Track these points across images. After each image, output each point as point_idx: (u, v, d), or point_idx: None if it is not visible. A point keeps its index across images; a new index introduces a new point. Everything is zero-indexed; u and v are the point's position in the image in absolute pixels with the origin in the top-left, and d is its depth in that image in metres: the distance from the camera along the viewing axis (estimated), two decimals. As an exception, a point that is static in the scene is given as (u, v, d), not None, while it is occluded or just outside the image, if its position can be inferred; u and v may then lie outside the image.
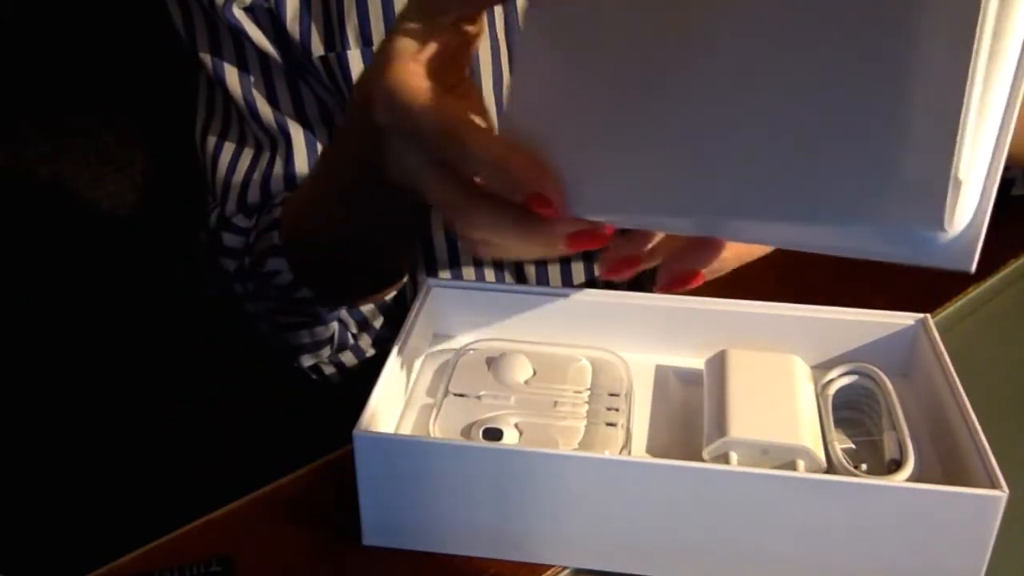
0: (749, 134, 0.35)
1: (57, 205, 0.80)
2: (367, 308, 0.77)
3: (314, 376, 0.81)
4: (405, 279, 0.76)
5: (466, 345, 0.55)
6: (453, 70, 0.48)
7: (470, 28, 0.47)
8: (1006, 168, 0.74)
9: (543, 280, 0.78)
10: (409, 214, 0.63)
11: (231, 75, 0.73)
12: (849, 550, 0.43)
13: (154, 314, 0.94)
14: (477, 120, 0.44)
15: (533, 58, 0.43)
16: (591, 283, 0.79)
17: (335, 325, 0.75)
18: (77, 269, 0.85)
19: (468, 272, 0.78)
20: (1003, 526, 0.42)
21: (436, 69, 0.45)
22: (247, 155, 0.75)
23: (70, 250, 0.83)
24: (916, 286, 0.66)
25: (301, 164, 0.74)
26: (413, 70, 0.44)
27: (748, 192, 0.35)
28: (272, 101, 0.73)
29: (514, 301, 0.56)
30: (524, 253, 0.51)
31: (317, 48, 0.70)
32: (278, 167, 0.74)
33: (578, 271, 0.78)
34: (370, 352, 0.81)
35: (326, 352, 0.77)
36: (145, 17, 0.78)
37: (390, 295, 0.78)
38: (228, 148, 0.76)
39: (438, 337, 0.56)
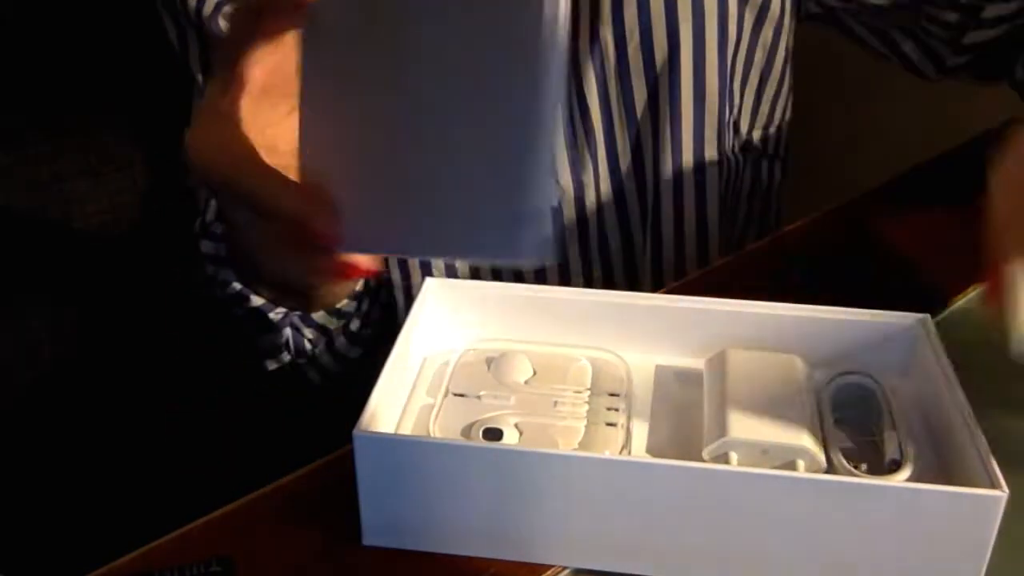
0: (419, 177, 0.39)
1: (57, 205, 0.80)
2: (319, 316, 0.77)
3: (300, 380, 0.82)
4: (357, 286, 0.76)
5: (466, 345, 0.55)
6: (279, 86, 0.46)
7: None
8: None
9: (542, 279, 0.78)
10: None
11: None
12: (849, 550, 0.43)
13: (154, 314, 0.94)
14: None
15: (315, 87, 0.42)
16: (589, 283, 0.79)
17: (288, 332, 0.75)
18: (77, 269, 0.85)
19: (464, 272, 0.78)
20: (1003, 526, 0.42)
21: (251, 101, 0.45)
22: None
23: (70, 250, 0.83)
24: (916, 286, 0.66)
25: None
26: (209, 127, 0.46)
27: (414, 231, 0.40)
28: None
29: (514, 301, 0.56)
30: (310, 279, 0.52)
31: None
32: None
33: (576, 271, 0.78)
34: (353, 353, 0.81)
35: (286, 357, 0.77)
36: (145, 17, 0.78)
37: (341, 302, 0.77)
38: None
39: (438, 337, 0.56)
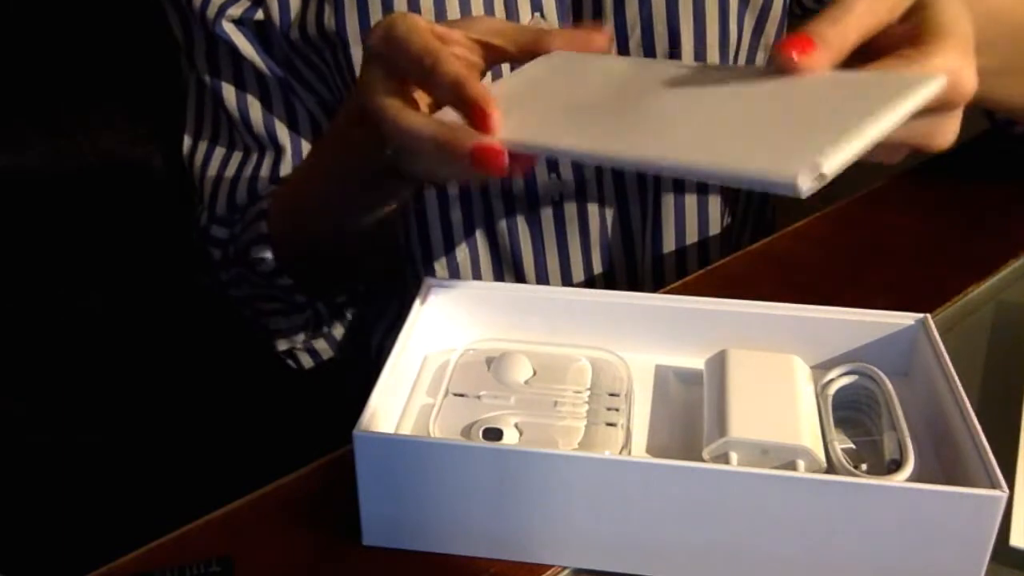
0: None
1: (57, 205, 0.81)
2: (340, 300, 0.81)
3: (289, 362, 0.83)
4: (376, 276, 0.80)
5: (466, 345, 0.55)
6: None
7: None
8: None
9: (542, 278, 0.78)
10: (387, 195, 0.65)
11: (227, 85, 0.75)
12: (849, 550, 0.43)
13: (154, 314, 0.94)
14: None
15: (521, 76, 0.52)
16: (590, 282, 0.79)
17: (309, 312, 0.78)
18: (77, 269, 0.85)
19: (465, 271, 0.78)
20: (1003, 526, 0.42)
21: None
22: (236, 158, 0.77)
23: (70, 250, 0.83)
24: (916, 286, 0.66)
25: (286, 168, 0.76)
26: (415, 17, 0.52)
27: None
28: (266, 112, 0.75)
29: (514, 301, 0.56)
30: (435, 168, 0.54)
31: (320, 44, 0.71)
32: (265, 170, 0.76)
33: (577, 269, 0.78)
34: (343, 340, 0.84)
35: (300, 338, 0.80)
36: (146, 18, 0.78)
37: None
38: (219, 152, 0.78)
39: (438, 337, 0.56)
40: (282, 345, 0.81)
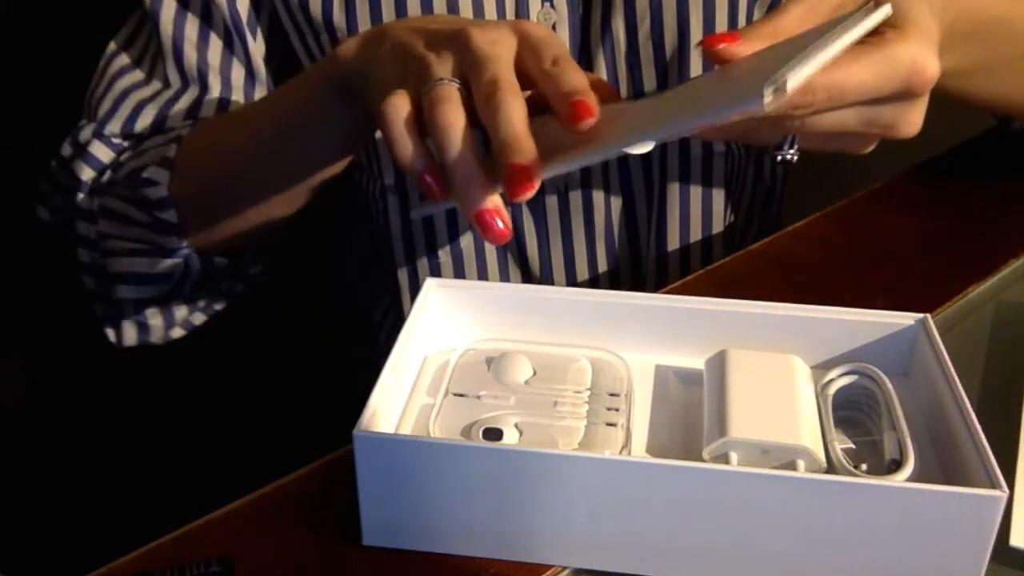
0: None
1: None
2: (219, 261, 0.74)
3: (108, 331, 0.77)
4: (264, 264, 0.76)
5: (466, 345, 0.55)
6: None
7: None
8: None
9: (547, 274, 0.78)
10: (332, 153, 0.65)
11: (167, 11, 0.72)
12: (849, 550, 0.43)
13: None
14: None
15: None
16: (594, 278, 0.79)
17: (179, 264, 0.72)
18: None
19: (469, 259, 0.78)
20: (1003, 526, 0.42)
21: None
22: (153, 86, 0.74)
23: (70, 250, 0.83)
24: (916, 286, 0.66)
25: (207, 110, 0.73)
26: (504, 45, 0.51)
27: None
28: (201, 48, 0.73)
29: (514, 301, 0.56)
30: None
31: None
32: (180, 105, 0.73)
33: (581, 263, 0.78)
34: (216, 308, 0.79)
35: (149, 291, 0.74)
36: (121, 17, 0.78)
37: (255, 269, 0.77)
38: (137, 73, 0.75)
39: (438, 337, 0.56)
40: (126, 292, 0.73)
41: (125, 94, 0.73)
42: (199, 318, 0.78)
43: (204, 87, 0.73)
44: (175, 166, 0.68)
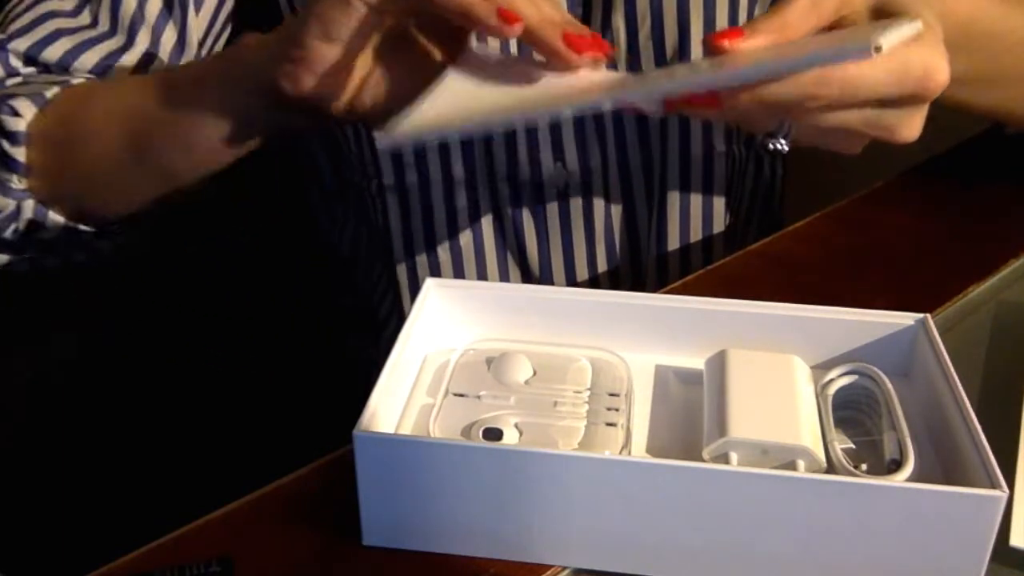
0: None
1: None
2: (55, 219, 0.68)
3: None
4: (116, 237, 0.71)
5: (466, 345, 0.55)
6: None
7: None
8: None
9: (547, 274, 0.78)
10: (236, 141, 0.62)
11: None
12: (849, 550, 0.43)
13: (155, 314, 0.94)
14: None
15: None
16: (594, 279, 0.79)
17: (14, 205, 0.66)
18: (77, 269, 0.85)
19: (469, 257, 0.78)
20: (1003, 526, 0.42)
21: None
22: (79, 21, 0.70)
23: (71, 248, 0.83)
24: (916, 286, 0.66)
25: (126, 62, 0.70)
26: None
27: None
28: (140, 4, 0.70)
29: (514, 301, 0.56)
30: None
31: None
32: (97, 52, 0.69)
33: (581, 265, 0.78)
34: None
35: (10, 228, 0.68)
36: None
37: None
38: (67, 2, 0.71)
39: (438, 337, 0.56)
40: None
41: (46, 16, 0.69)
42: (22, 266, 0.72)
43: (131, 40, 0.70)
44: (47, 108, 0.64)
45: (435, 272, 0.78)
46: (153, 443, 1.00)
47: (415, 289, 0.53)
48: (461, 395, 0.51)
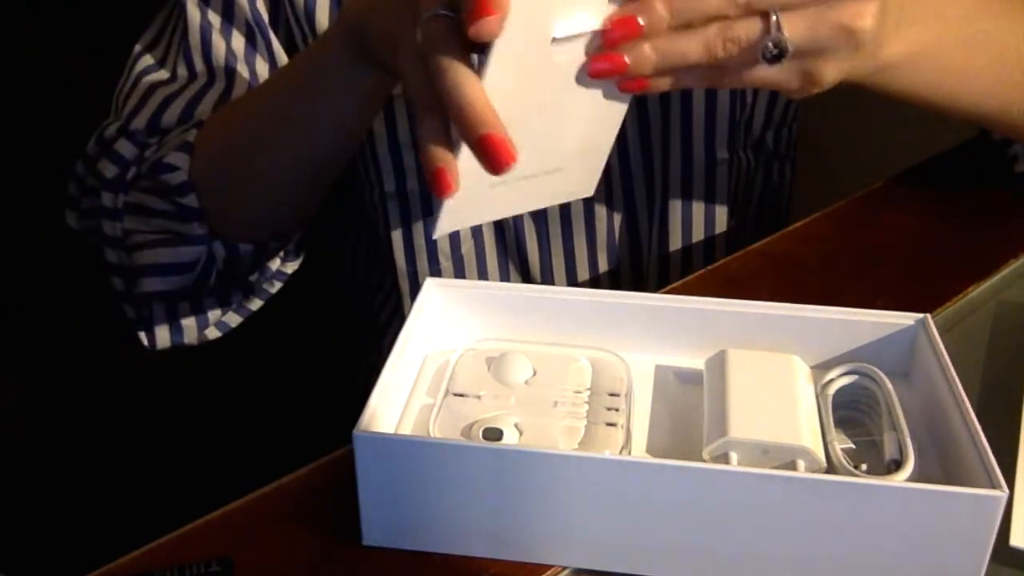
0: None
1: (57, 205, 0.80)
2: (244, 248, 0.71)
3: (141, 335, 0.75)
4: (290, 246, 0.73)
5: (466, 345, 0.55)
6: None
7: None
8: (1008, 144, 0.75)
9: (548, 280, 0.78)
10: (353, 125, 0.64)
11: (192, 6, 0.71)
12: (849, 550, 0.43)
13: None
14: None
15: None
16: (595, 282, 0.79)
17: (202, 252, 0.70)
18: (77, 269, 0.85)
19: (470, 263, 0.78)
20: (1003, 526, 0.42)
21: None
22: (180, 82, 0.72)
23: (70, 250, 0.83)
24: (916, 286, 0.66)
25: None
26: None
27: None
28: (227, 40, 0.72)
29: (514, 301, 0.56)
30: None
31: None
32: (207, 101, 0.71)
33: (583, 273, 0.78)
34: (254, 305, 0.77)
35: (175, 282, 0.70)
36: (147, 17, 0.78)
37: (275, 262, 0.74)
38: (163, 72, 0.74)
39: (438, 337, 0.56)
40: (153, 285, 0.70)
41: (152, 89, 0.72)
42: (234, 319, 0.76)
43: (231, 78, 0.71)
44: (194, 149, 0.66)
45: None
46: (153, 443, 1.00)
47: (416, 295, 0.53)
48: (461, 395, 0.51)
